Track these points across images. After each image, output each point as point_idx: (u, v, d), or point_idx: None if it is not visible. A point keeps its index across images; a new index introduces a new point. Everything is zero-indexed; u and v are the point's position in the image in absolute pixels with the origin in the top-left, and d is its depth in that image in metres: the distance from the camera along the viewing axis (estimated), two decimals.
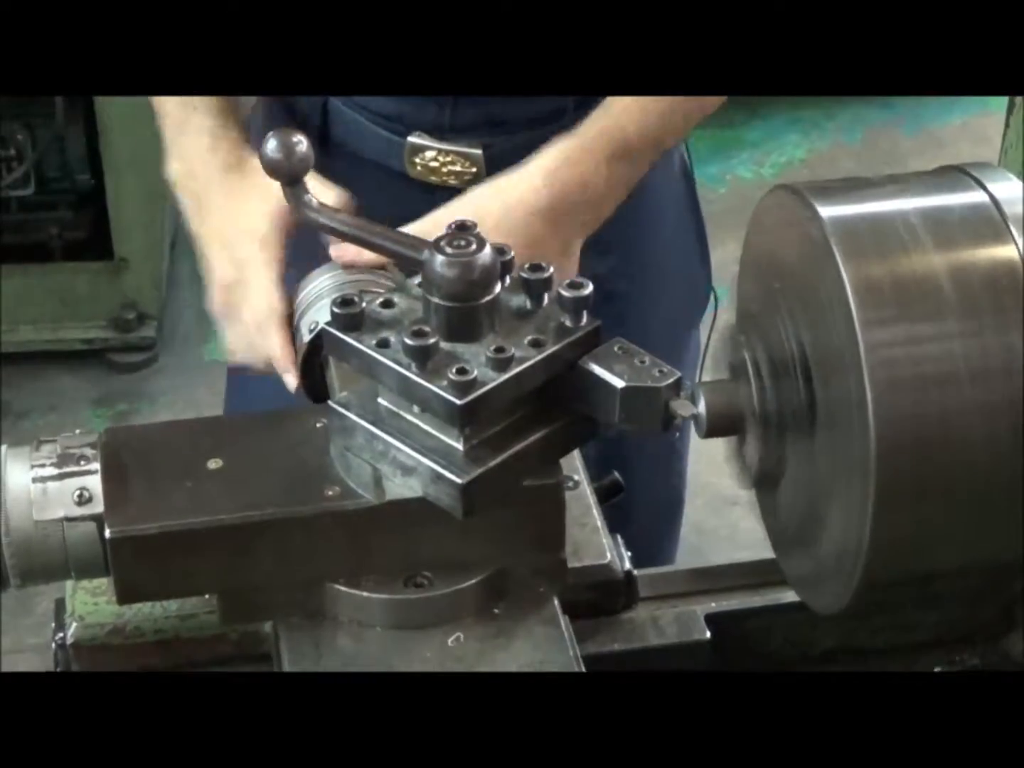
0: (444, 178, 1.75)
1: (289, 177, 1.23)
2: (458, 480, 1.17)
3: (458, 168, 1.74)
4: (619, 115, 1.59)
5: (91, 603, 1.30)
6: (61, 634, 1.29)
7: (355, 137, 1.78)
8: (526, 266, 1.22)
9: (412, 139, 1.75)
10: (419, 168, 1.75)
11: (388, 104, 1.75)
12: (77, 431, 1.27)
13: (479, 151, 1.74)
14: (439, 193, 1.73)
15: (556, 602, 1.25)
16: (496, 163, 1.71)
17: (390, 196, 1.75)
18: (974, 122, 4.68)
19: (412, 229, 1.44)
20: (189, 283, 4.23)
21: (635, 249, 1.84)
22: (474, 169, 1.74)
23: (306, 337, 1.48)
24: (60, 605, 1.30)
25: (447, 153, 1.74)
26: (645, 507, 1.94)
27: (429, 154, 1.74)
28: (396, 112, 1.75)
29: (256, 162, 1.54)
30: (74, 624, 1.28)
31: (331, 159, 1.76)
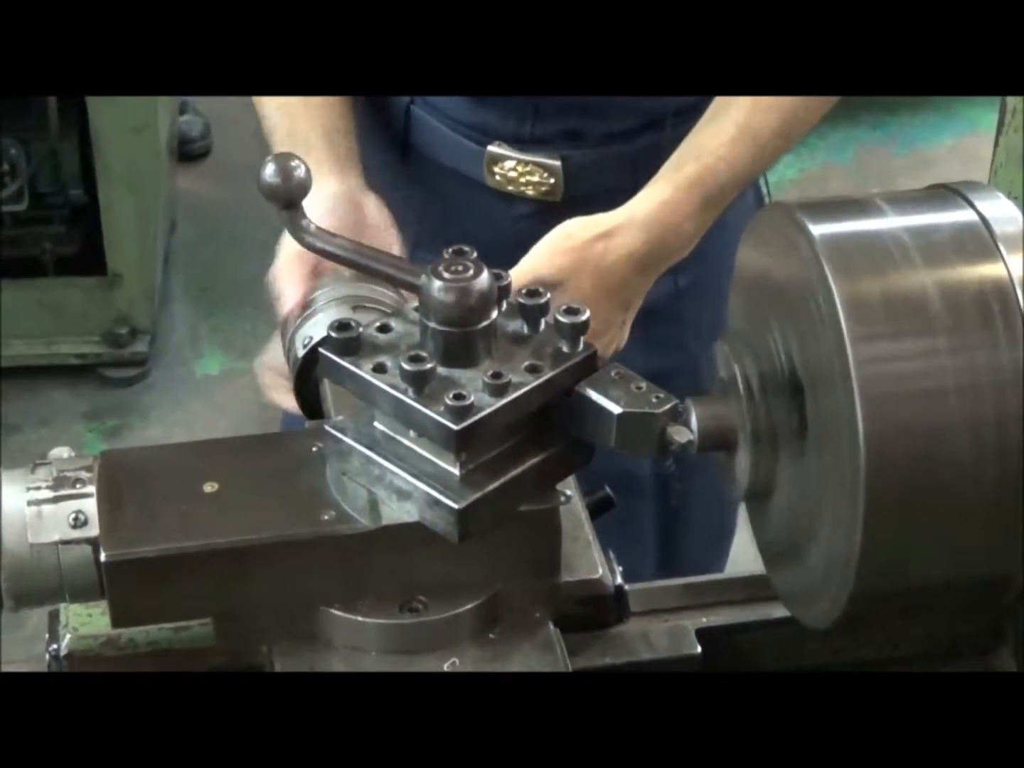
0: (522, 188, 1.77)
1: (286, 201, 1.23)
2: (454, 505, 1.17)
3: (536, 179, 1.76)
4: (714, 162, 1.61)
5: (85, 614, 1.29)
6: (55, 645, 1.28)
7: (435, 145, 1.80)
8: (523, 291, 1.22)
9: (492, 148, 1.76)
10: (498, 177, 1.77)
11: (470, 114, 1.76)
12: (71, 454, 1.26)
13: (558, 162, 1.75)
14: (516, 203, 1.76)
15: (551, 627, 1.25)
16: (574, 174, 1.74)
17: (468, 204, 1.79)
18: (964, 143, 4.69)
19: (521, 270, 1.48)
20: (182, 298, 4.24)
21: (707, 271, 1.84)
22: (552, 180, 1.75)
23: (300, 351, 1.48)
24: (54, 616, 1.30)
25: (526, 163, 1.76)
26: (700, 526, 1.95)
27: (508, 164, 1.76)
28: (477, 122, 1.77)
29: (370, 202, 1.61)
30: (68, 635, 1.28)
31: (411, 167, 1.78)
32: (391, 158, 1.75)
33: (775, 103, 1.62)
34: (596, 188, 1.65)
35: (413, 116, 1.79)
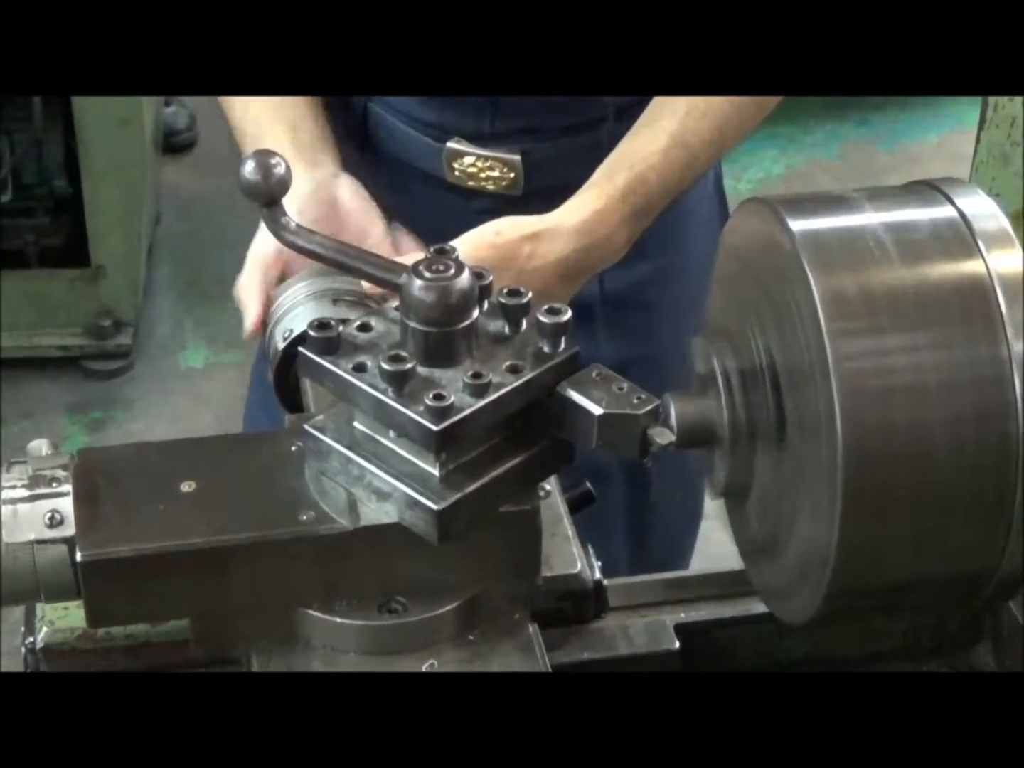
0: (482, 183, 1.76)
1: (267, 198, 1.22)
2: (434, 506, 1.16)
3: (496, 174, 1.75)
4: (646, 170, 1.60)
5: (61, 608, 1.29)
6: (31, 638, 1.28)
7: (394, 142, 1.79)
8: (504, 291, 1.21)
9: (451, 144, 1.75)
10: (457, 173, 1.76)
11: (428, 111, 1.76)
12: (50, 446, 1.26)
13: (517, 157, 1.75)
14: (476, 198, 1.75)
15: (531, 628, 1.25)
16: (534, 169, 1.74)
17: (428, 200, 1.77)
18: (949, 139, 4.70)
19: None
20: (165, 290, 4.23)
21: (669, 258, 1.84)
22: (512, 175, 1.75)
23: (280, 345, 1.47)
24: (30, 610, 1.29)
25: (486, 159, 1.75)
26: (668, 514, 1.96)
27: (468, 160, 1.75)
28: (436, 119, 1.76)
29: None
30: (44, 628, 1.28)
31: (370, 163, 1.77)
32: (349, 155, 1.74)
33: (708, 110, 1.62)
34: (557, 181, 1.65)
35: (371, 113, 1.78)
